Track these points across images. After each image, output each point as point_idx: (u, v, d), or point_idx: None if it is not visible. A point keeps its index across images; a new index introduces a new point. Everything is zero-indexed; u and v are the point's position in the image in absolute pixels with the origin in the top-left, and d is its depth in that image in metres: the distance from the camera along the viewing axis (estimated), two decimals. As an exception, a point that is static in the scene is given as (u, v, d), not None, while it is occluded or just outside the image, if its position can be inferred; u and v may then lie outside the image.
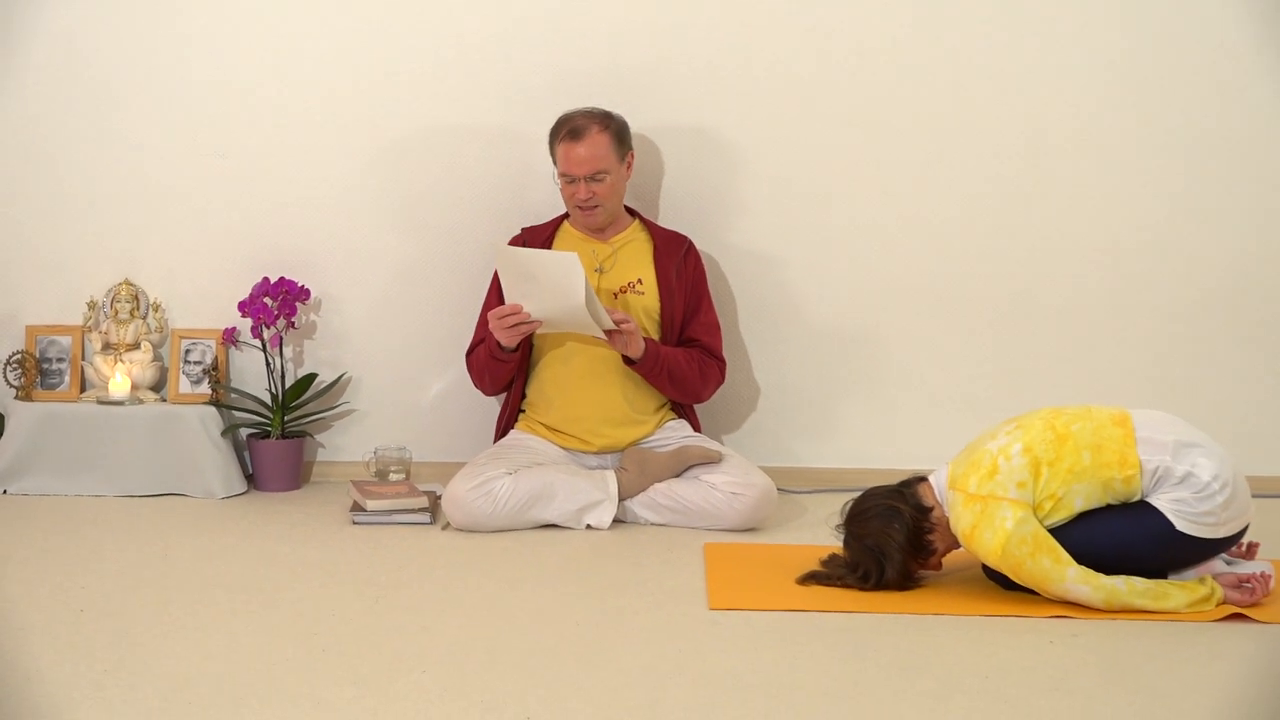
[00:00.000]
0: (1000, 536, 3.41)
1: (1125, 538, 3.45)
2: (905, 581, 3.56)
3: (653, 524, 4.26)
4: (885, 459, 4.70)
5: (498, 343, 4.28)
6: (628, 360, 4.32)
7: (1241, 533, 3.53)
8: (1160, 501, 3.45)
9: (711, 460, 4.29)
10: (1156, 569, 3.49)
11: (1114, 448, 3.47)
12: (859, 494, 3.67)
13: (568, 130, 4.36)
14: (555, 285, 4.09)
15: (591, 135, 4.34)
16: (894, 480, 3.67)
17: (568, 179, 4.37)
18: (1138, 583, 3.42)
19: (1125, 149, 4.77)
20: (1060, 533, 3.45)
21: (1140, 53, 4.73)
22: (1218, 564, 3.56)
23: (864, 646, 3.19)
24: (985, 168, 4.78)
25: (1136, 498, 3.47)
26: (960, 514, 3.49)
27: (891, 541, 3.53)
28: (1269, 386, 4.85)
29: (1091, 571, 3.41)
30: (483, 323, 4.42)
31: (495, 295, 4.43)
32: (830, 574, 3.63)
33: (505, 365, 4.38)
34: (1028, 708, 2.84)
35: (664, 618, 3.39)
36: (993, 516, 3.43)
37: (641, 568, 3.82)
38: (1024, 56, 4.73)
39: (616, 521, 4.24)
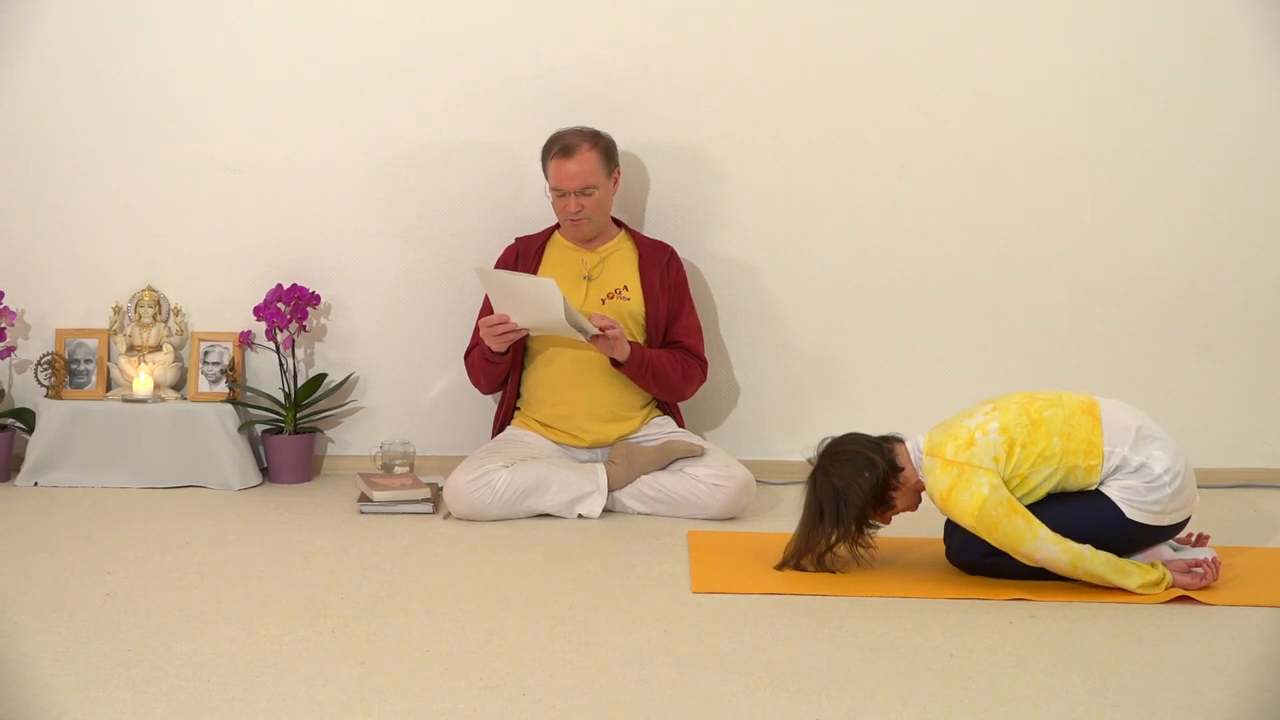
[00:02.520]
0: (977, 499, 3.38)
1: (1076, 522, 3.42)
2: (856, 534, 3.50)
3: (640, 513, 4.24)
4: (855, 453, 4.69)
5: (489, 347, 4.26)
6: (615, 363, 4.29)
7: (1184, 523, 3.51)
8: (1111, 489, 3.44)
9: (694, 454, 4.26)
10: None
11: (1082, 435, 3.44)
12: (840, 435, 3.59)
13: (559, 148, 4.33)
14: (535, 302, 4.09)
15: (581, 153, 4.31)
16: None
17: (558, 193, 4.34)
18: (1100, 554, 3.40)
19: (1084, 163, 4.74)
20: (1019, 512, 3.45)
21: (1098, 68, 4.70)
22: (1165, 550, 3.54)
23: (837, 627, 3.18)
24: (949, 181, 4.74)
25: (1095, 485, 3.45)
26: (938, 477, 3.45)
27: (857, 488, 3.47)
28: (1215, 384, 4.81)
29: (1060, 535, 3.39)
30: (479, 327, 4.38)
31: (489, 302, 4.40)
32: (795, 550, 3.57)
33: (497, 367, 4.36)
34: (989, 684, 2.83)
35: (651, 600, 3.38)
36: (970, 481, 3.39)
37: (630, 554, 3.81)
38: (987, 73, 4.70)
39: (606, 511, 4.21)
